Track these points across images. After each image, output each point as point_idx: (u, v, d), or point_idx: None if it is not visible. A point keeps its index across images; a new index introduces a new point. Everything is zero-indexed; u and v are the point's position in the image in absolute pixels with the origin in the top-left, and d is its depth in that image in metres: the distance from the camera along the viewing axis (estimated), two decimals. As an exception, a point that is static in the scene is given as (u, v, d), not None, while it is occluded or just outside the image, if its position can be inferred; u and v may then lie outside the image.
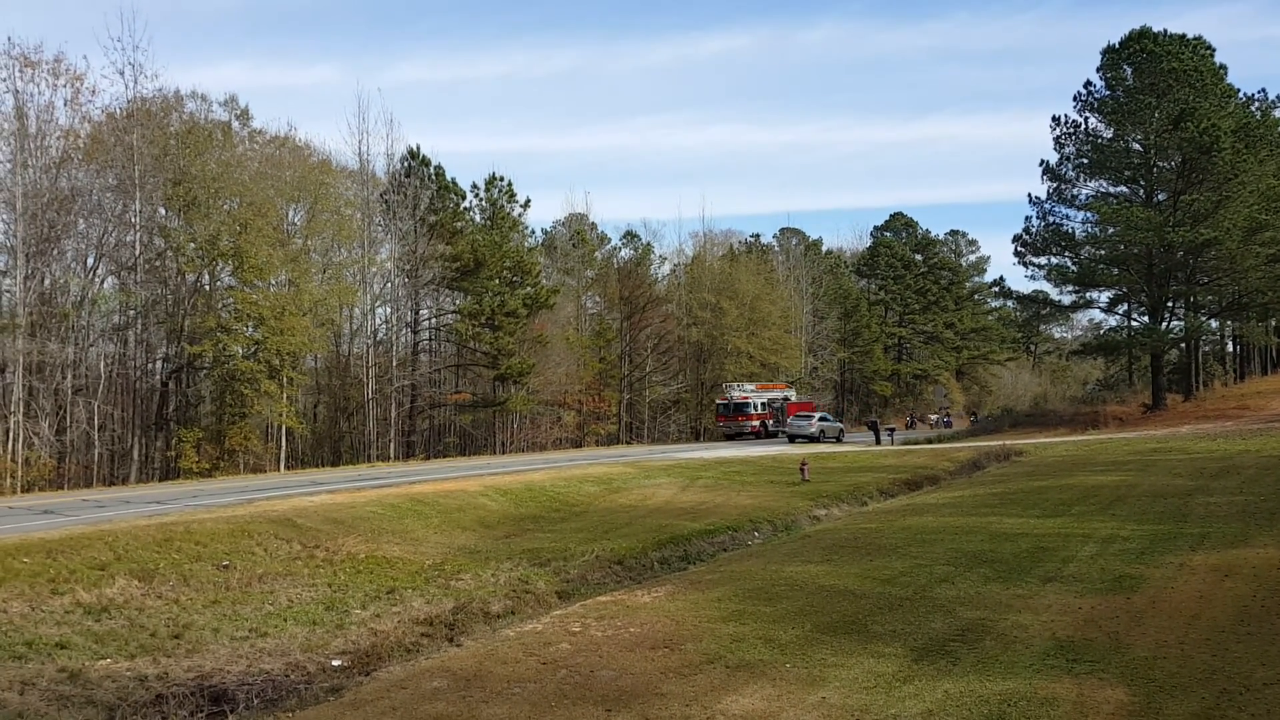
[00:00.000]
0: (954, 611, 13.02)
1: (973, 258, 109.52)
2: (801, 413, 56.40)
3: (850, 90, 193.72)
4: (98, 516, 20.32)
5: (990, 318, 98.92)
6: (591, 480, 30.25)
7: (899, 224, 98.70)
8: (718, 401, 58.42)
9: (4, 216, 35.72)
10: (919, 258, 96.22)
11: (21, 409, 33.27)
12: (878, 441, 50.99)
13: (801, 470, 31.76)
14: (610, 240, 71.38)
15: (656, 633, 12.75)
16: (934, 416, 74.57)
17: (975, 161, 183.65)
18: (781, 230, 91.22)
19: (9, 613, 13.23)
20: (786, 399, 59.41)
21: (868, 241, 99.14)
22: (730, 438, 54.70)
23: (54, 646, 12.42)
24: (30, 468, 32.78)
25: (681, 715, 9.51)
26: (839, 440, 53.70)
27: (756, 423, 55.80)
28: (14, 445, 32.75)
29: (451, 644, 13.29)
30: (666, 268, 74.20)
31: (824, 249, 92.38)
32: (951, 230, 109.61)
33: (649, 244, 72.18)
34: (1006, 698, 9.41)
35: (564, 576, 17.60)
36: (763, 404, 56.80)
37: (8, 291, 35.54)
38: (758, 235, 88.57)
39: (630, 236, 72.47)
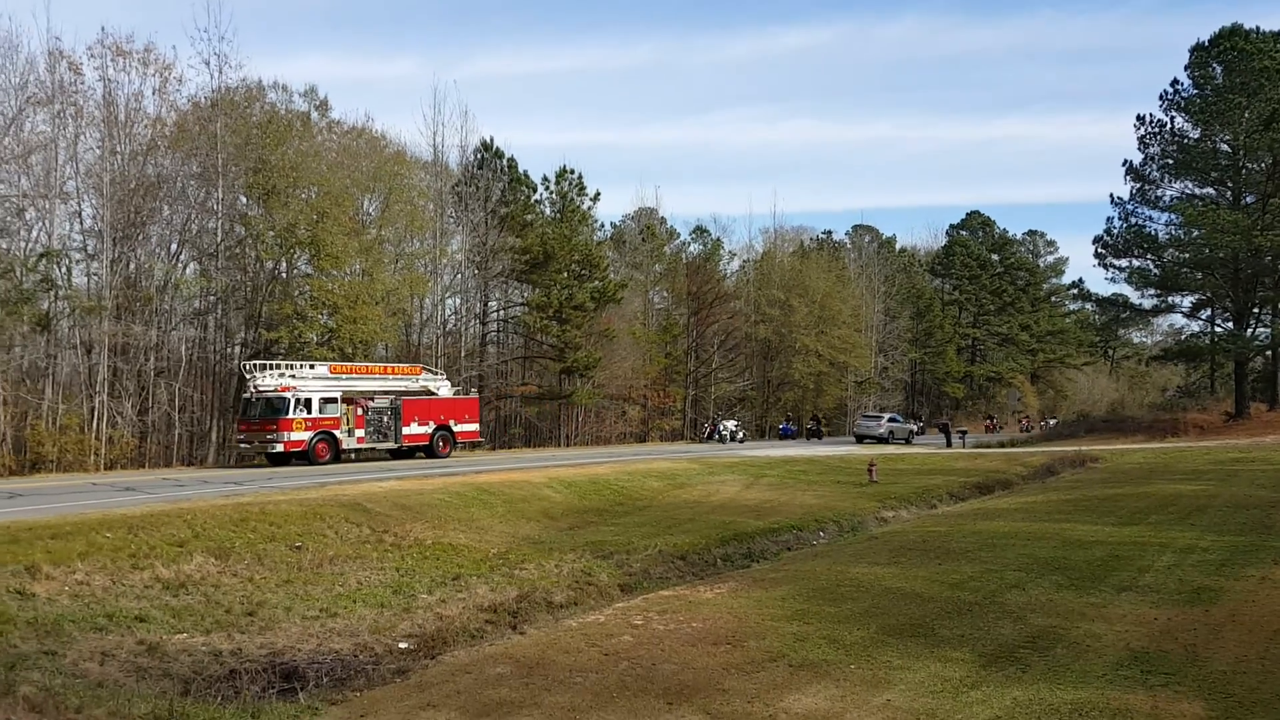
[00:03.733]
0: (1024, 618, 12.75)
1: (1050, 259, 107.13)
2: (462, 422, 36.00)
3: (930, 87, 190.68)
4: (177, 495, 20.94)
5: (1067, 321, 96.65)
6: (655, 475, 30.29)
7: (975, 223, 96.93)
8: (244, 397, 32.99)
9: (93, 201, 36.93)
10: (995, 258, 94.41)
11: (106, 389, 34.40)
12: (948, 444, 50.16)
13: (869, 471, 31.40)
14: (679, 235, 71.29)
15: (719, 628, 12.70)
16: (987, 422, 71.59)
17: (1056, 161, 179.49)
18: (854, 227, 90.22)
19: (91, 585, 13.69)
20: (425, 393, 35.58)
21: (943, 240, 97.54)
22: (275, 461, 30.63)
23: (133, 619, 12.81)
24: (113, 446, 33.87)
25: (743, 712, 9.46)
26: (908, 442, 53.01)
27: (305, 435, 30.41)
28: (98, 424, 33.87)
29: (515, 631, 13.41)
30: (735, 264, 73.78)
31: (897, 247, 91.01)
32: (1029, 230, 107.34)
33: (718, 239, 71.90)
34: (1078, 707, 9.19)
35: (626, 569, 17.64)
36: (326, 402, 31.31)
37: (95, 275, 36.71)
38: (829, 232, 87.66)
39: (700, 232, 72.31)
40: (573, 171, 54.36)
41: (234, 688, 10.81)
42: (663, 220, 68.45)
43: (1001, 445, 50.57)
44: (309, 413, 30.68)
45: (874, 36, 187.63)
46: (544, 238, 49.92)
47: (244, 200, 40.60)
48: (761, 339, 66.16)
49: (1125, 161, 56.69)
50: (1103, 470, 34.47)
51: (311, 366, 32.72)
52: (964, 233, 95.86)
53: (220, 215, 39.48)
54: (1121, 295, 61.34)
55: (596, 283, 52.90)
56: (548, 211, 54.15)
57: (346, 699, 10.39)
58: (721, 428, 52.26)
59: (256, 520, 17.80)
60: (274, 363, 32.55)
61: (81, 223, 37.50)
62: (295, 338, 38.22)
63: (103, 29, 41.63)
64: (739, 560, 19.36)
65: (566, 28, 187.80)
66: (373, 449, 33.31)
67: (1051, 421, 72.02)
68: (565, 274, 51.42)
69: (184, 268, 40.71)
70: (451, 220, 49.47)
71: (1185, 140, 54.71)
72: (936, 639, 11.87)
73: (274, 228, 38.62)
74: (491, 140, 51.80)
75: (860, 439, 52.38)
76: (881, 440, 51.32)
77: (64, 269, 34.83)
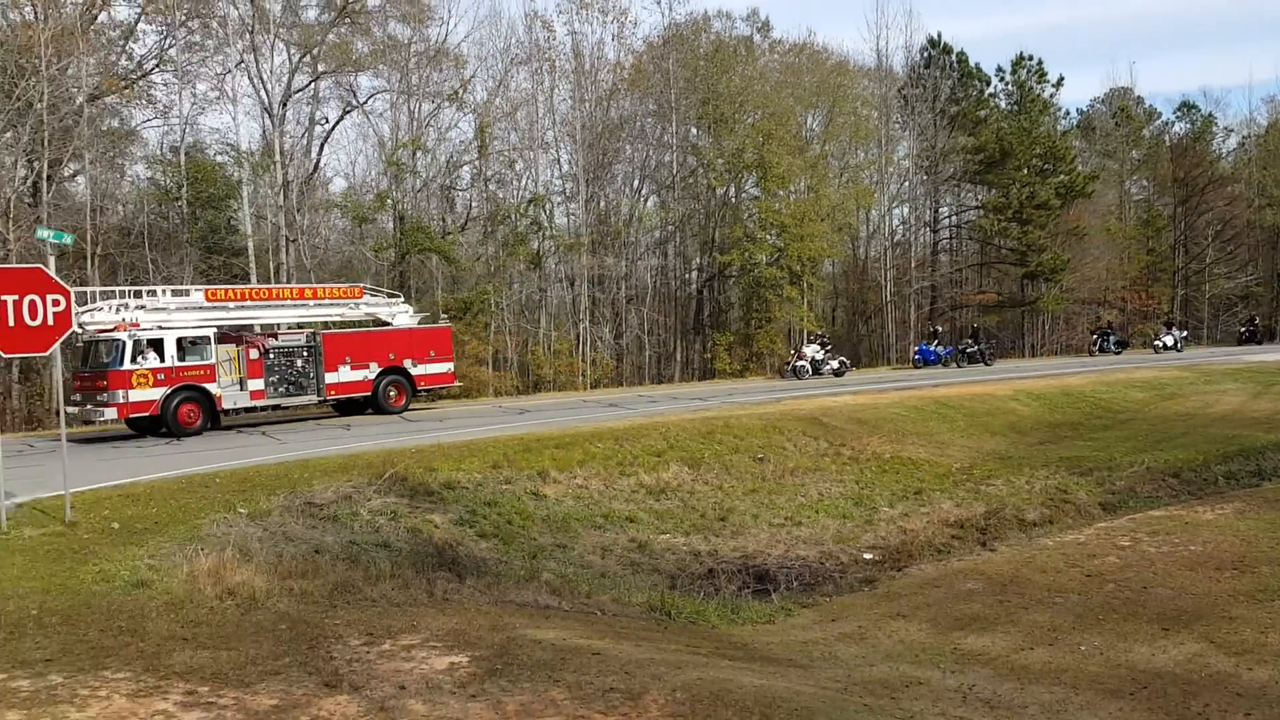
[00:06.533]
0: None
1: None
2: (425, 361, 24.47)
3: None
4: (651, 410, 22.80)
5: None
6: (1138, 385, 27.50)
7: None
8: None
9: (568, 148, 41.04)
10: None
11: (587, 316, 38.42)
12: None
13: None
14: (1160, 115, 62.79)
15: (1222, 552, 11.31)
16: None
17: None
18: (1391, 82, 73.52)
19: (589, 489, 15.43)
20: (373, 323, 25.25)
21: None
22: (135, 429, 21.01)
23: (624, 520, 14.28)
24: (595, 367, 37.84)
25: (1255, 642, 8.33)
26: None
27: (155, 393, 19.96)
28: (583, 348, 37.99)
29: (984, 548, 13.02)
30: (1232, 141, 63.45)
31: None
32: None
33: (1210, 115, 62.21)
34: None
35: (1107, 488, 16.33)
36: (190, 344, 20.82)
37: (573, 214, 40.90)
38: (1356, 92, 72.28)
39: (1186, 108, 63.05)
40: (1030, 58, 50.12)
41: (713, 585, 11.63)
42: (1139, 100, 60.83)
43: None
44: (161, 360, 20.23)
45: None
46: (999, 133, 46.76)
47: (694, 131, 42.66)
48: (1269, 226, 56.76)
49: None
50: None
51: (176, 293, 22.59)
52: None
53: (674, 148, 41.90)
54: None
55: (1062, 177, 48.56)
56: (1003, 105, 50.54)
57: (816, 603, 10.73)
58: (803, 357, 34.14)
59: (721, 433, 18.86)
60: (114, 289, 22.97)
61: (560, 168, 41.97)
62: (745, 259, 39.72)
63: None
64: (1245, 478, 17.06)
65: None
66: (277, 406, 23.02)
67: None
68: (1025, 170, 47.84)
69: (645, 201, 43.89)
70: (897, 126, 48.14)
71: None
72: None
73: (722, 154, 40.23)
74: (939, 36, 49.25)
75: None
76: None
77: (548, 211, 39.14)
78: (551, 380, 36.14)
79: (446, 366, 25.37)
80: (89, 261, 28.95)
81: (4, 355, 11.06)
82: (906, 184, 49.18)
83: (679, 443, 18.01)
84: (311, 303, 24.16)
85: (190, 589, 8.65)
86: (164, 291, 22.20)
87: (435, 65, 37.42)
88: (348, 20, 34.47)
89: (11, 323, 10.30)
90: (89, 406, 20.20)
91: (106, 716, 5.88)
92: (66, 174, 31.00)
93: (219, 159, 35.00)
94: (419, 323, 25.83)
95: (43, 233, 12.17)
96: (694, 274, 45.35)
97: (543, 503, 14.53)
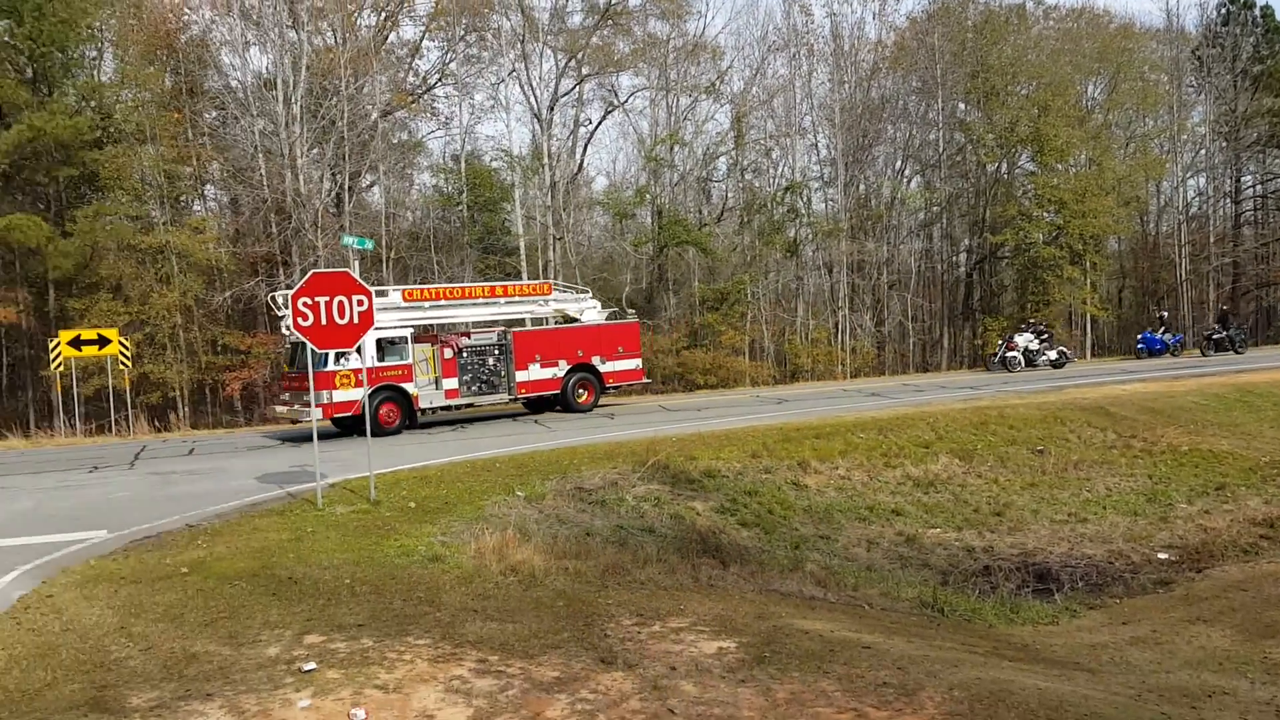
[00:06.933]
0: None
1: None
2: (614, 358, 23.78)
3: None
4: (917, 400, 22.05)
5: None
6: None
7: None
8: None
9: (826, 132, 40.43)
10: None
11: (847, 304, 37.70)
12: None
13: None
14: None
15: None
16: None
17: None
18: None
19: (851, 480, 15.14)
20: (562, 320, 24.93)
21: None
22: (342, 427, 21.15)
23: (890, 513, 13.92)
24: (855, 355, 37.05)
25: None
26: None
27: (356, 393, 19.77)
28: (843, 336, 37.31)
29: (1301, 551, 11.66)
30: None
31: None
32: None
33: None
34: None
35: None
36: (388, 344, 20.98)
37: (831, 200, 40.24)
38: None
39: None
40: (1352, 1, 44.17)
41: (989, 583, 11.11)
42: None
43: None
44: (362, 361, 19.88)
45: None
46: (1313, 92, 41.56)
47: (962, 107, 40.87)
48: None
49: None
50: None
51: (376, 293, 19.48)
52: None
53: (940, 126, 40.28)
54: None
55: (1393, 136, 42.50)
56: (1317, 59, 44.85)
57: (1104, 604, 10.03)
58: (1014, 347, 30.75)
59: (995, 424, 17.94)
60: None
61: (817, 153, 41.49)
62: (1021, 239, 37.58)
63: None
64: None
65: None
66: (471, 404, 22.62)
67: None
68: (1347, 131, 42.24)
69: (908, 182, 42.51)
70: (1191, 90, 43.88)
71: None
72: None
73: (993, 130, 38.28)
74: (1240, -11, 44.45)
75: None
76: None
77: (805, 198, 38.78)
78: (809, 369, 35.76)
79: (635, 363, 24.70)
80: (384, 264, 31.70)
81: (317, 350, 12.31)
82: (1203, 152, 44.68)
83: (948, 434, 17.31)
84: (502, 301, 23.89)
85: (478, 565, 9.29)
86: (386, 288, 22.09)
87: (693, 59, 37.98)
88: (610, 22, 35.67)
89: (324, 321, 11.47)
90: (296, 406, 20.31)
91: (411, 679, 6.42)
92: (364, 185, 34.14)
93: (494, 164, 37.23)
94: (607, 318, 25.23)
95: (348, 239, 13.49)
96: (962, 256, 43.43)
97: (804, 493, 14.42)
